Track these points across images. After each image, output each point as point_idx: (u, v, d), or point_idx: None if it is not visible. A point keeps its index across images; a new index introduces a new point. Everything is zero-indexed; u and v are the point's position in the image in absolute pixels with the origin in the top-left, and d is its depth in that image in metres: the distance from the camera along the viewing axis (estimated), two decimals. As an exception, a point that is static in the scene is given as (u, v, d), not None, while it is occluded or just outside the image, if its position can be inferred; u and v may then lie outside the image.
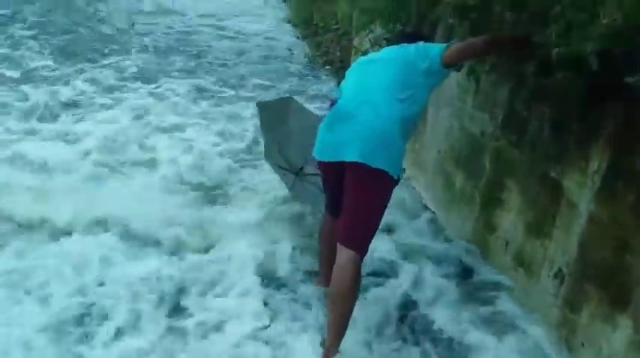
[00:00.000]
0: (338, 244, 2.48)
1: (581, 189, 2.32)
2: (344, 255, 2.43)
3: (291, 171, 3.64)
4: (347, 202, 2.49)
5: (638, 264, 2.04)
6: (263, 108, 3.78)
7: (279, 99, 4.09)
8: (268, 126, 3.70)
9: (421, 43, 2.63)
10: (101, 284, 2.91)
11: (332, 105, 2.69)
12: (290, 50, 7.76)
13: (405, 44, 2.68)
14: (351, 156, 2.40)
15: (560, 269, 2.47)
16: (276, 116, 3.78)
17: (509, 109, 2.86)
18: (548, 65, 2.35)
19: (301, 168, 3.65)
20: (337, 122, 2.51)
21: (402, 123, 2.48)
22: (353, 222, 2.46)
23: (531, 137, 2.69)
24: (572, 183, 2.39)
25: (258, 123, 3.81)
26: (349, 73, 2.77)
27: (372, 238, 2.51)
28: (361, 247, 2.45)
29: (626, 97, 2.02)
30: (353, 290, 2.41)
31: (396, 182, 2.50)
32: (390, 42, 2.96)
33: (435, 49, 2.54)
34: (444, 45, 2.54)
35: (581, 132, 2.32)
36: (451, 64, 2.57)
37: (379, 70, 2.59)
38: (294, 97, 4.25)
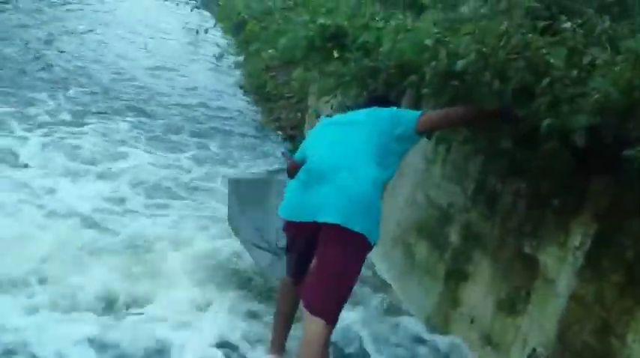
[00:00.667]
0: (307, 313, 2.28)
1: (561, 265, 2.26)
2: (313, 325, 2.23)
3: (270, 249, 3.37)
4: (319, 266, 2.32)
5: (623, 348, 1.95)
6: (236, 185, 3.60)
7: (259, 178, 3.90)
8: (243, 203, 3.51)
9: (394, 109, 2.62)
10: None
11: (293, 165, 2.58)
12: (242, 114, 7.69)
13: (377, 108, 2.64)
14: (328, 217, 2.26)
15: (534, 350, 2.35)
16: (254, 194, 3.60)
17: (481, 182, 2.83)
18: (527, 139, 2.35)
19: (282, 247, 3.42)
20: (312, 183, 2.37)
21: (379, 187, 2.39)
22: (325, 289, 2.28)
23: (504, 211, 2.65)
24: (549, 259, 2.33)
25: (227, 200, 3.58)
26: (317, 134, 2.68)
27: (343, 306, 2.32)
28: (332, 316, 2.27)
29: (616, 172, 2.01)
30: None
31: (372, 248, 2.36)
32: (359, 106, 2.91)
33: (410, 115, 2.53)
34: (419, 112, 2.53)
35: (562, 206, 2.29)
36: (425, 132, 2.56)
37: (353, 133, 2.51)
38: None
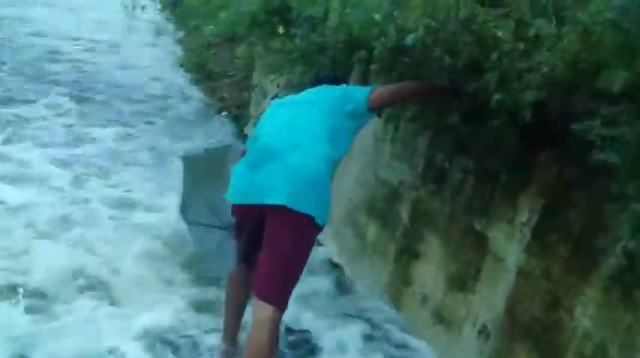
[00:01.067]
0: (255, 299, 2.19)
1: (509, 242, 2.27)
2: (262, 310, 2.15)
3: (222, 226, 3.23)
4: (267, 250, 2.22)
5: (572, 322, 1.97)
6: (191, 162, 3.38)
7: (213, 152, 3.64)
8: (195, 180, 3.31)
9: (344, 86, 2.57)
10: None
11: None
12: (183, 94, 7.40)
13: (327, 86, 2.57)
14: (276, 199, 2.16)
15: (485, 326, 2.37)
16: (210, 168, 3.38)
17: (430, 159, 2.80)
18: (475, 115, 2.33)
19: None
20: (260, 162, 2.27)
21: (329, 167, 2.31)
22: (273, 273, 2.20)
23: (453, 188, 2.64)
24: (498, 235, 2.34)
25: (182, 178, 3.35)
26: (267, 116, 2.57)
27: (292, 290, 2.25)
28: (281, 301, 2.19)
29: (562, 147, 2.01)
30: (271, 351, 2.12)
31: (321, 229, 2.29)
32: (307, 86, 2.83)
33: (361, 91, 2.47)
34: (370, 88, 2.46)
35: (509, 182, 2.29)
36: (376, 108, 2.51)
37: (304, 112, 2.43)
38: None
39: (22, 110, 5.73)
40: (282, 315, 2.19)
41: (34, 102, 6.03)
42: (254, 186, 2.23)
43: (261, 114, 2.71)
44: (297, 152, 2.23)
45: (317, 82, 2.72)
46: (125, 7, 7.93)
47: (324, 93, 2.52)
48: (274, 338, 2.14)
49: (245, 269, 2.48)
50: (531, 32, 2.17)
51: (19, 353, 2.41)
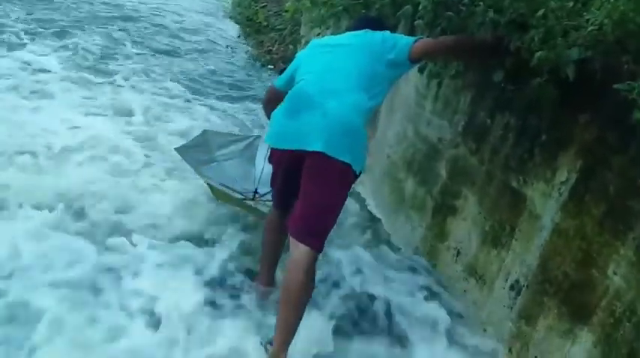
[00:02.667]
0: (292, 239, 2.30)
1: (546, 200, 2.28)
2: (299, 251, 2.25)
3: (248, 198, 3.38)
4: (305, 195, 2.31)
5: (604, 280, 2.00)
6: (184, 151, 3.54)
7: (195, 137, 3.82)
8: (199, 165, 3.50)
9: (387, 33, 2.52)
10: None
11: (273, 91, 2.61)
12: (230, 47, 7.48)
13: (370, 30, 2.55)
14: (314, 145, 2.23)
15: (517, 281, 2.42)
16: (202, 154, 3.61)
17: (471, 116, 2.81)
18: (518, 73, 2.32)
19: (255, 192, 3.39)
20: (299, 109, 2.33)
21: (366, 115, 2.35)
22: (310, 216, 2.29)
23: (493, 146, 2.65)
24: (535, 194, 2.35)
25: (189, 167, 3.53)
26: (306, 56, 2.59)
27: (328, 233, 2.34)
28: (318, 243, 2.28)
29: (602, 107, 2.00)
30: (307, 289, 2.24)
31: (357, 177, 2.36)
32: (351, 27, 2.77)
33: (404, 40, 2.44)
34: (413, 38, 2.44)
35: (549, 141, 2.28)
36: (418, 59, 2.49)
37: (343, 56, 2.44)
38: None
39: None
40: (317, 257, 2.29)
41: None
42: (293, 131, 2.30)
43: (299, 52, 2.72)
44: (334, 100, 2.27)
45: (361, 25, 2.66)
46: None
47: (365, 38, 2.49)
48: (310, 278, 2.24)
49: (280, 214, 2.60)
50: (581, -8, 2.13)
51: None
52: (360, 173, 2.35)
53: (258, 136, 3.83)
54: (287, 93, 2.48)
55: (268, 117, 2.64)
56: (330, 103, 2.28)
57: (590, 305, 2.04)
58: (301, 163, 2.31)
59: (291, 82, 2.55)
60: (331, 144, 2.21)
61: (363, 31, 2.56)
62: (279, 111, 2.43)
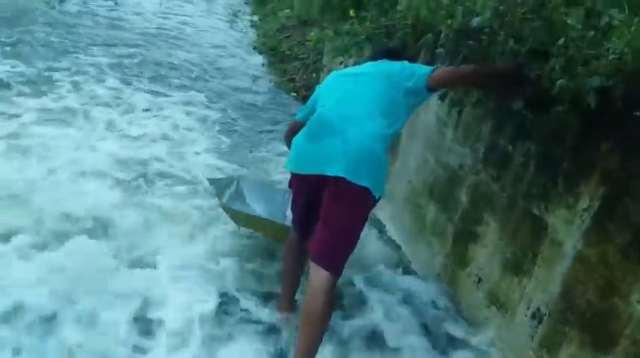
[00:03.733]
0: (312, 264, 2.33)
1: (568, 227, 2.27)
2: (318, 275, 2.27)
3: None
4: (324, 218, 2.35)
5: (627, 308, 1.98)
6: (215, 183, 3.59)
7: (228, 177, 3.86)
8: (230, 198, 3.51)
9: (406, 62, 2.58)
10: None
11: (295, 125, 2.66)
12: (255, 76, 7.65)
13: (388, 60, 2.62)
14: (335, 170, 2.27)
15: (538, 309, 2.39)
16: (234, 193, 3.60)
17: (492, 144, 2.82)
18: (538, 102, 2.34)
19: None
20: (320, 134, 2.38)
21: (386, 142, 2.39)
22: (330, 241, 2.32)
23: (514, 173, 2.65)
24: (557, 221, 2.34)
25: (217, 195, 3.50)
26: (327, 86, 2.67)
27: (347, 258, 2.36)
28: (337, 267, 2.31)
29: (624, 135, 2.00)
30: (326, 314, 2.25)
31: (376, 202, 2.39)
32: (370, 57, 2.85)
33: (422, 69, 2.49)
34: (432, 67, 2.49)
35: (571, 169, 2.29)
36: (436, 88, 2.54)
37: (362, 85, 2.50)
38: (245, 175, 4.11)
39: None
40: (336, 281, 2.31)
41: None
42: (314, 157, 2.34)
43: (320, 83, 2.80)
44: (354, 127, 2.31)
45: (380, 56, 2.73)
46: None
47: (384, 67, 2.55)
48: (329, 302, 2.25)
49: (300, 239, 2.62)
50: (603, 21, 2.16)
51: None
52: (380, 198, 2.37)
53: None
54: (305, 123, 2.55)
55: (289, 148, 2.69)
56: (351, 130, 2.32)
57: (613, 334, 2.01)
58: (321, 188, 2.35)
59: (312, 114, 2.60)
60: (351, 169, 2.25)
61: (382, 60, 2.63)
62: (299, 136, 2.49)
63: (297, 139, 2.49)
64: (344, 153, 2.29)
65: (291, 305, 2.73)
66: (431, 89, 2.49)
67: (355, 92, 2.48)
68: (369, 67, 2.64)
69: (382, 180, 2.37)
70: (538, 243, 2.44)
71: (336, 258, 2.31)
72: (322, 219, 2.36)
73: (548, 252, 2.38)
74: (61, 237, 3.09)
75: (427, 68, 2.48)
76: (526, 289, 2.49)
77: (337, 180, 2.27)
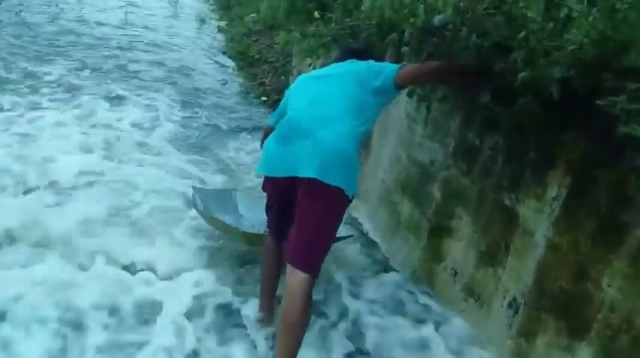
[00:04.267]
0: (288, 266, 2.32)
1: (538, 217, 2.32)
2: (295, 278, 2.27)
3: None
4: (299, 220, 2.35)
5: (599, 293, 2.02)
6: (201, 192, 3.56)
7: (220, 190, 3.81)
8: (218, 209, 3.47)
9: (372, 61, 2.60)
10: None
11: (268, 130, 2.66)
12: (225, 81, 7.60)
13: (355, 60, 2.64)
14: (306, 172, 2.27)
15: (514, 299, 2.43)
16: (223, 205, 3.56)
17: (461, 138, 2.86)
18: (503, 94, 2.38)
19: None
20: (290, 137, 2.38)
21: (356, 141, 2.39)
22: (305, 242, 2.32)
23: (483, 166, 2.69)
24: (528, 211, 2.38)
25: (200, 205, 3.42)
26: (296, 89, 2.68)
27: (323, 259, 2.37)
28: (313, 268, 2.31)
29: (587, 124, 2.05)
30: (305, 315, 2.25)
31: (350, 201, 2.39)
32: (337, 58, 2.86)
33: (389, 67, 2.51)
34: (398, 65, 2.51)
35: (538, 159, 2.33)
36: (403, 85, 2.54)
37: (330, 86, 2.51)
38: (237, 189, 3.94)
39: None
40: (314, 282, 2.30)
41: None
42: (286, 159, 2.34)
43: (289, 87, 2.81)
44: (324, 128, 2.32)
45: (346, 56, 2.75)
46: (169, 2, 8.29)
47: (351, 67, 2.57)
48: (307, 304, 2.25)
49: (276, 242, 2.63)
50: (562, 13, 2.20)
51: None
52: (353, 197, 2.38)
53: None
54: None
55: None
56: (321, 131, 2.33)
57: (587, 319, 2.06)
58: (294, 190, 2.35)
59: (282, 117, 2.62)
60: (323, 170, 2.25)
61: (349, 61, 2.65)
62: (270, 139, 2.49)
63: (268, 142, 2.49)
64: (315, 154, 2.29)
65: (270, 305, 2.73)
66: (399, 86, 2.50)
67: (324, 93, 2.49)
68: (335, 67, 2.66)
69: (355, 180, 2.37)
70: (510, 234, 2.48)
71: (311, 259, 2.31)
72: (296, 221, 2.36)
73: (521, 242, 2.42)
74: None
75: (393, 66, 2.50)
76: (501, 280, 2.53)
77: (310, 181, 2.26)
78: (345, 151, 2.32)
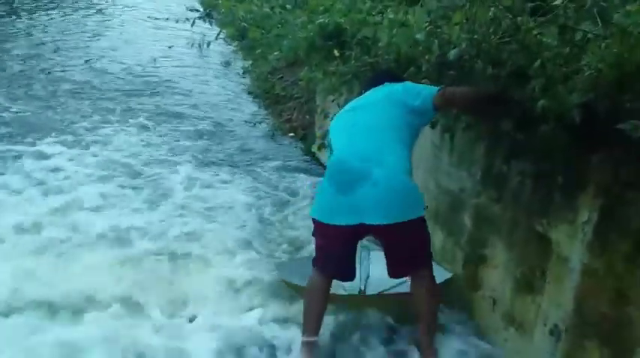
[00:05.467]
0: (410, 277, 2.59)
1: (572, 241, 2.29)
2: (418, 275, 2.57)
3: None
4: (396, 253, 2.54)
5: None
6: (284, 267, 3.41)
7: (299, 259, 3.63)
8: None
9: (409, 82, 2.62)
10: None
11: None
12: (253, 120, 7.76)
13: (389, 83, 2.67)
14: (377, 219, 2.37)
15: (555, 325, 2.39)
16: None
17: (488, 166, 2.86)
18: (526, 121, 2.39)
19: (362, 291, 3.10)
20: (347, 183, 2.41)
21: (408, 164, 2.49)
22: (412, 255, 2.54)
23: (512, 192, 2.68)
24: (561, 236, 2.36)
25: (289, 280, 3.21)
26: (336, 124, 2.70)
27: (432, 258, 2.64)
28: (429, 262, 2.59)
29: (613, 146, 2.04)
30: (438, 290, 2.63)
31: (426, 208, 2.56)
32: (369, 84, 2.87)
33: (428, 89, 2.55)
34: (437, 87, 2.53)
35: (566, 183, 2.32)
36: (441, 107, 2.57)
37: (369, 115, 2.55)
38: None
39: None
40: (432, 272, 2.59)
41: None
42: (348, 206, 2.39)
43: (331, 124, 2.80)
44: (377, 166, 2.37)
45: (378, 79, 2.77)
46: (192, 45, 8.53)
47: (386, 91, 2.61)
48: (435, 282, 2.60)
49: (327, 282, 2.64)
50: (577, 36, 2.22)
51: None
52: (426, 208, 2.54)
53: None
54: None
55: None
56: (376, 170, 2.37)
57: (631, 343, 2.01)
58: (357, 232, 2.47)
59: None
60: (393, 213, 2.36)
61: (383, 85, 2.67)
62: (325, 185, 2.50)
63: (324, 189, 2.51)
64: (379, 198, 2.36)
65: (316, 330, 2.68)
66: (437, 108, 2.54)
67: (364, 126, 2.51)
68: (371, 95, 2.68)
69: (420, 198, 2.51)
70: (545, 260, 2.46)
71: (423, 258, 2.57)
72: (394, 256, 2.55)
73: (557, 268, 2.39)
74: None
75: (432, 88, 2.53)
76: (541, 307, 2.49)
77: (385, 226, 2.36)
78: (404, 183, 2.42)
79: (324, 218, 2.50)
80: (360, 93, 3.02)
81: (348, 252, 2.60)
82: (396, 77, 2.74)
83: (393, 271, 2.62)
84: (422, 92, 2.51)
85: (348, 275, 2.69)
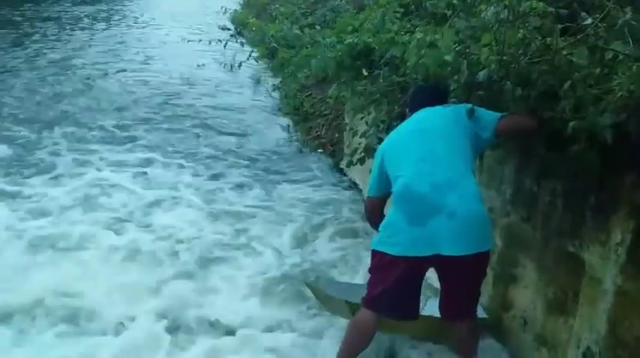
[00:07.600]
0: (456, 322, 2.62)
1: (605, 263, 2.26)
2: (466, 325, 2.62)
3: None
4: (458, 288, 2.52)
5: (676, 340, 1.95)
6: (313, 285, 3.47)
7: (326, 281, 3.64)
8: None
9: (469, 105, 2.56)
10: None
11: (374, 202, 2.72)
12: (283, 134, 7.86)
13: (450, 105, 2.66)
14: (452, 250, 2.36)
15: (588, 348, 2.35)
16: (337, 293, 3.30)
17: (518, 185, 2.85)
18: (557, 140, 2.38)
19: None
20: (421, 215, 2.37)
21: (481, 195, 2.49)
22: (468, 301, 2.59)
23: (543, 212, 2.67)
24: (593, 257, 2.33)
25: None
26: (394, 148, 2.59)
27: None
28: (475, 314, 2.67)
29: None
30: (479, 330, 2.72)
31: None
32: (418, 101, 2.76)
33: (491, 115, 2.53)
34: (499, 114, 2.52)
35: (598, 204, 2.30)
36: (502, 134, 2.56)
37: (436, 139, 2.50)
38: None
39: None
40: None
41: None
42: (424, 239, 2.36)
43: (387, 143, 2.70)
44: (452, 195, 2.35)
45: (429, 98, 2.69)
46: (224, 66, 8.74)
47: (454, 117, 2.53)
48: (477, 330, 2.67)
49: (377, 319, 2.55)
50: (608, 56, 2.21)
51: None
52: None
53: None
54: (386, 196, 2.63)
55: (376, 228, 2.62)
56: (450, 200, 2.34)
57: (668, 369, 1.97)
58: (424, 266, 2.48)
59: (385, 183, 2.57)
60: (467, 244, 2.37)
61: (445, 106, 2.61)
62: (397, 218, 2.43)
63: (396, 222, 2.44)
64: (455, 230, 2.34)
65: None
66: (498, 135, 2.54)
67: (432, 150, 2.45)
68: (434, 117, 2.57)
69: (490, 233, 2.55)
70: (577, 281, 2.43)
71: (472, 310, 2.64)
72: (455, 290, 2.53)
73: (589, 290, 2.36)
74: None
75: (494, 114, 2.51)
76: (573, 328, 2.46)
77: (461, 258, 2.36)
78: (479, 213, 2.42)
79: (397, 250, 2.41)
80: (404, 112, 2.96)
81: (408, 285, 2.48)
82: (445, 93, 2.72)
83: (449, 311, 2.61)
84: (485, 117, 2.51)
85: (411, 311, 2.56)
